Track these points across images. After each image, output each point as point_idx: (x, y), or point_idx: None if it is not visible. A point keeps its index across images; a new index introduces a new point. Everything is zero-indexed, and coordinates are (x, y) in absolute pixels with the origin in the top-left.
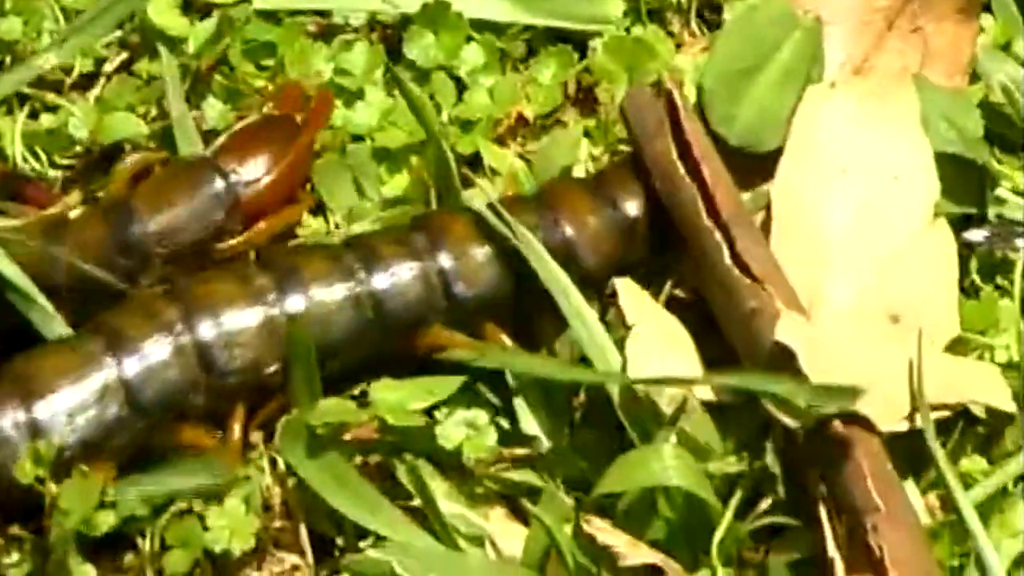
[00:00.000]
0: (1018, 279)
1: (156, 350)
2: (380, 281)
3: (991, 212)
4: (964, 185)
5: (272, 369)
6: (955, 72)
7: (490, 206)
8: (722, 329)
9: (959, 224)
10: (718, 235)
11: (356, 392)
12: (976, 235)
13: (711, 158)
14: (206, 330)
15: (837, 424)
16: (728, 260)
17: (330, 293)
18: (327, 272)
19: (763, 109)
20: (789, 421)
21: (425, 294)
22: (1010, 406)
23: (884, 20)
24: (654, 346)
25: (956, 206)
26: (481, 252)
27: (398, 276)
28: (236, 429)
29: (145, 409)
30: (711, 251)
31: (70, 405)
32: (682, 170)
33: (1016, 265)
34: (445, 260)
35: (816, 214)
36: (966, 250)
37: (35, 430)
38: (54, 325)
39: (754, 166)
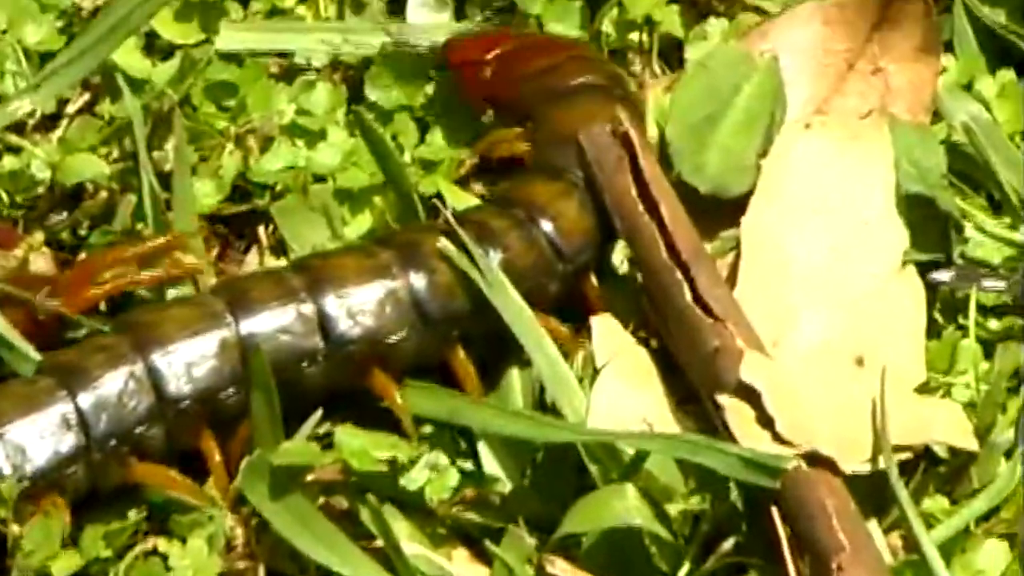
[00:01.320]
0: (972, 317)
1: (111, 381)
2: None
3: (954, 249)
4: (930, 226)
5: (228, 393)
6: (917, 111)
7: (456, 239)
8: (683, 368)
9: (924, 262)
10: (678, 274)
11: (320, 432)
12: (942, 276)
13: (669, 197)
14: (159, 358)
15: (801, 464)
16: (689, 299)
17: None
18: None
19: (729, 154)
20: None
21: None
22: (973, 445)
23: (844, 61)
24: (621, 388)
25: (922, 252)
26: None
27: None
28: (215, 454)
29: (99, 441)
30: (672, 290)
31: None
32: (642, 208)
33: (972, 304)
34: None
35: (786, 254)
36: (930, 290)
37: None
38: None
39: (719, 211)
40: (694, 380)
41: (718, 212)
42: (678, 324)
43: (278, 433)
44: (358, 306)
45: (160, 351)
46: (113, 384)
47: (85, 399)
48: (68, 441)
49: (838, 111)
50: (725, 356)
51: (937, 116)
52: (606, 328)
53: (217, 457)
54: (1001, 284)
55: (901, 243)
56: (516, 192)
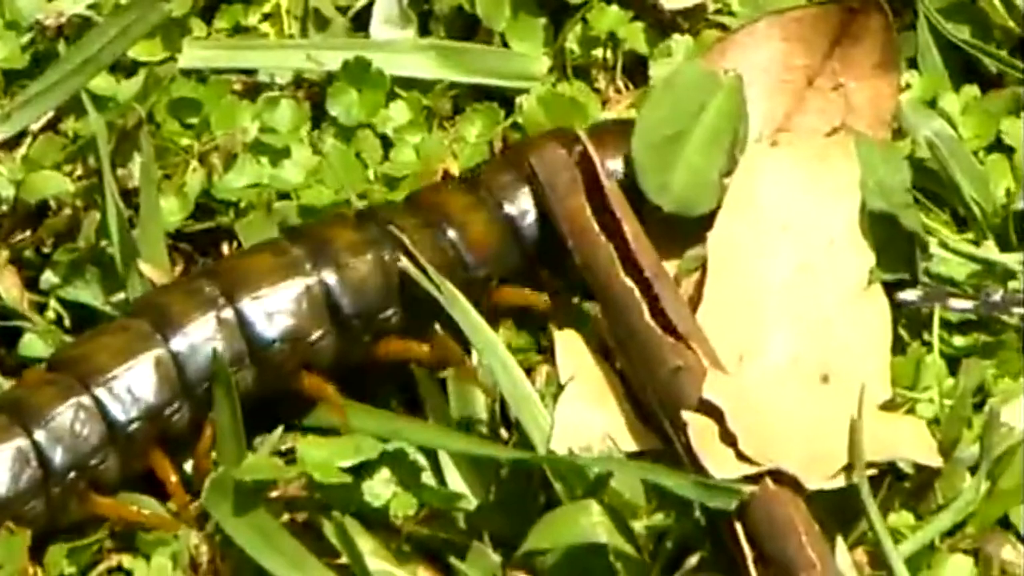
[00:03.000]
0: (936, 334)
1: (62, 415)
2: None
3: (920, 268)
4: (895, 245)
5: (173, 408)
6: (878, 127)
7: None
8: (637, 389)
9: (890, 282)
10: (637, 293)
11: (283, 448)
12: (909, 296)
13: (630, 216)
14: (99, 388)
15: (767, 482)
16: (648, 318)
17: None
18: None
19: (694, 173)
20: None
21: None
22: (937, 461)
23: (804, 77)
24: (584, 405)
25: (888, 271)
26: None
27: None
28: (170, 475)
29: (57, 473)
30: (630, 310)
31: None
32: (597, 228)
33: (935, 320)
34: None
35: (753, 271)
36: (896, 308)
37: None
38: None
39: (682, 230)
40: (652, 401)
41: (680, 232)
42: (637, 344)
43: (241, 448)
44: (274, 306)
45: (101, 380)
46: (64, 417)
47: (41, 434)
48: (27, 475)
49: (798, 128)
50: (687, 375)
51: (900, 132)
52: (569, 344)
53: (173, 477)
54: (967, 304)
55: (866, 262)
56: (431, 198)
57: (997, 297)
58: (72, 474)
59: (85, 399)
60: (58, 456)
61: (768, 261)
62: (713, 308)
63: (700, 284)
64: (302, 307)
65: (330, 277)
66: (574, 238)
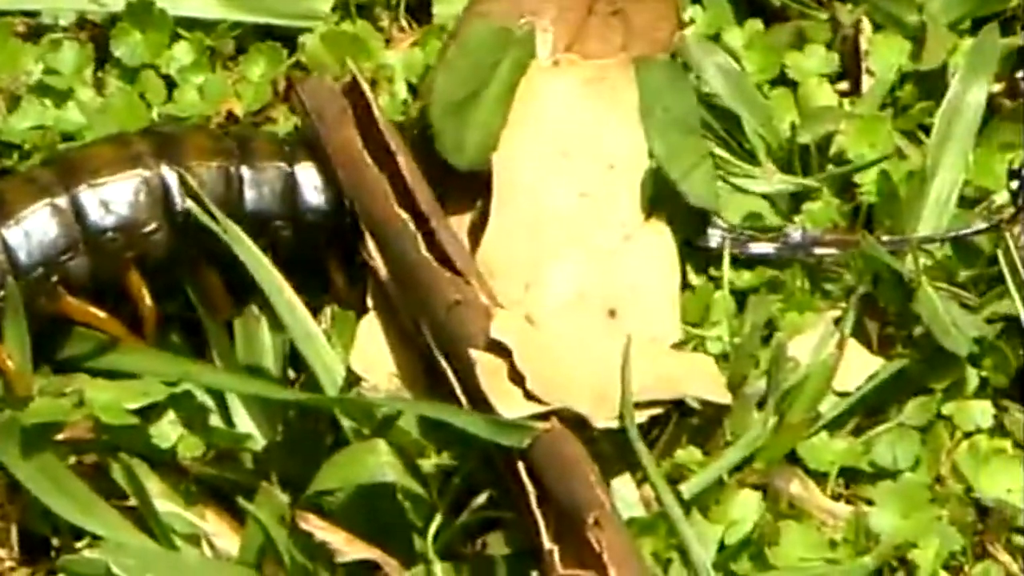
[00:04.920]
0: (726, 270)
1: None
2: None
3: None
4: (688, 182)
5: None
6: (657, 50)
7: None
8: (415, 325)
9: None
10: (412, 226)
11: (67, 391)
12: (707, 242)
13: (403, 150)
14: None
15: (554, 421)
16: (425, 251)
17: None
18: None
19: (487, 131)
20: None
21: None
22: (726, 398)
23: (583, 5)
24: (378, 341)
25: (682, 209)
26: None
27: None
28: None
29: None
30: (405, 243)
31: None
32: (369, 159)
33: (726, 258)
34: None
35: (537, 196)
36: (700, 252)
37: None
38: None
39: (475, 185)
40: (427, 337)
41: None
42: (413, 279)
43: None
44: (111, 195)
45: None
46: None
47: None
48: None
49: (582, 54)
50: (466, 310)
51: (685, 67)
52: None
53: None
54: (768, 248)
55: (646, 190)
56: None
57: (797, 236)
58: None
59: None
60: None
61: (552, 186)
62: (499, 235)
63: (484, 213)
64: (140, 199)
65: (171, 175)
66: (344, 170)
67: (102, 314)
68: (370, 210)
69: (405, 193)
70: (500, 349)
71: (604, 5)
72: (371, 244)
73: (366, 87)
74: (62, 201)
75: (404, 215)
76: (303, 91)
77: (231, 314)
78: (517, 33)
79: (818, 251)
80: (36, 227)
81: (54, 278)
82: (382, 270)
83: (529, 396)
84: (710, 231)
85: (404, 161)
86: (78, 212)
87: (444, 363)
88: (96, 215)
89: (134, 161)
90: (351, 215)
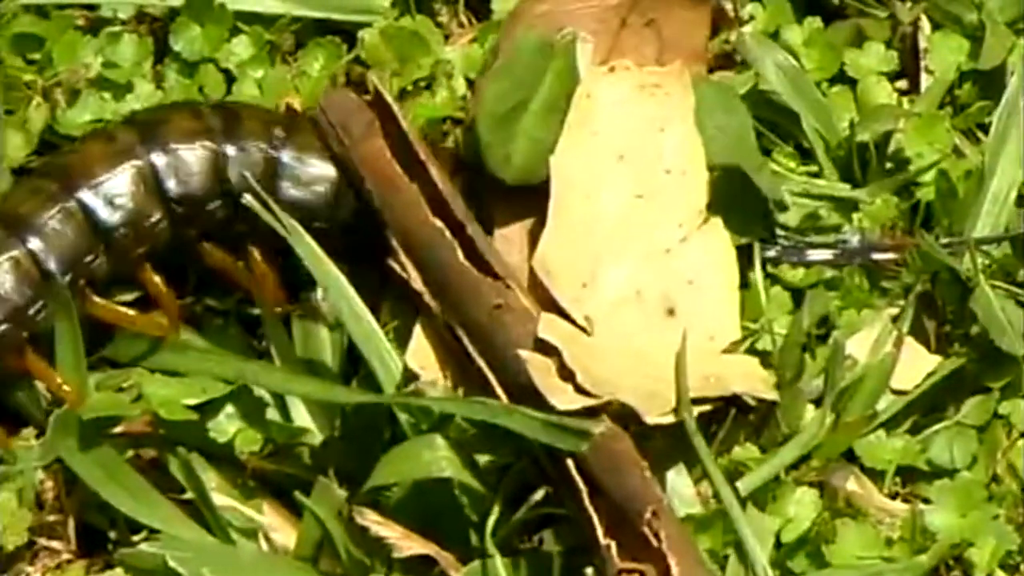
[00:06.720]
0: (758, 270)
1: None
2: None
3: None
4: (748, 197)
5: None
6: (692, 59)
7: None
8: (441, 328)
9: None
10: (448, 234)
11: (125, 386)
12: (768, 252)
13: (433, 161)
14: None
15: (606, 419)
16: (463, 259)
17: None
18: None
19: (534, 142)
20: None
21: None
22: (772, 394)
23: (617, 18)
24: (435, 341)
25: (743, 233)
26: None
27: None
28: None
29: None
30: (442, 251)
31: None
32: (400, 170)
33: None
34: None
35: (594, 198)
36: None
37: None
38: None
39: (524, 199)
40: (466, 341)
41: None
42: (451, 287)
43: (84, 383)
44: (113, 192)
45: None
46: None
47: None
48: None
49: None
50: (509, 314)
51: (744, 65)
52: None
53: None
54: (827, 255)
55: (703, 192)
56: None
57: (855, 241)
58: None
59: None
60: None
61: (608, 188)
62: (556, 236)
63: (542, 219)
64: (139, 190)
65: (159, 159)
66: (374, 181)
67: (131, 312)
68: (402, 220)
69: (438, 202)
70: (547, 350)
71: (637, 16)
72: (402, 254)
73: (390, 99)
74: (71, 205)
75: (439, 223)
76: (328, 106)
77: (284, 306)
78: (559, 44)
79: (875, 256)
80: (56, 234)
81: (81, 282)
82: (416, 279)
83: (580, 391)
84: (766, 245)
85: (435, 171)
86: (87, 214)
87: (486, 368)
88: (104, 213)
89: (124, 154)
90: (359, 216)
